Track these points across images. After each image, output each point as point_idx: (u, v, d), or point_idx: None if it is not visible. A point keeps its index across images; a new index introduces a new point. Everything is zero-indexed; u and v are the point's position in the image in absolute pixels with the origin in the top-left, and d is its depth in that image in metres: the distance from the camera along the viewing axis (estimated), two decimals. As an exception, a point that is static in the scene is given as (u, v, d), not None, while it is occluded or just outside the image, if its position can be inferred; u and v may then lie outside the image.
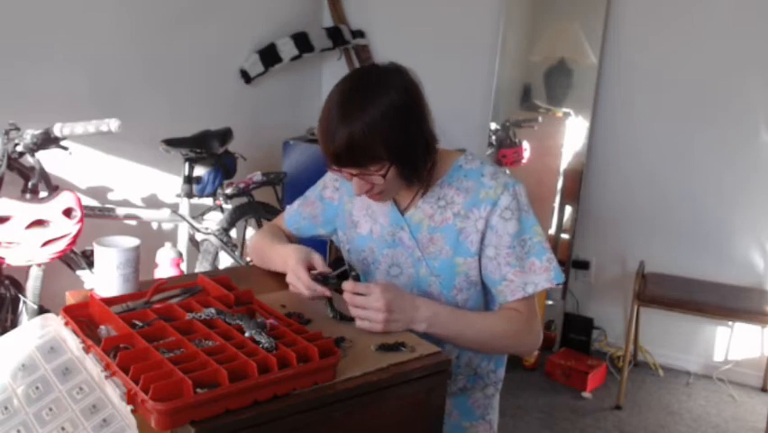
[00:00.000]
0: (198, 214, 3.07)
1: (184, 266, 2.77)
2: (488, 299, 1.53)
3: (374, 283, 1.35)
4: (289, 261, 1.45)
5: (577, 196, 3.68)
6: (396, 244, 1.51)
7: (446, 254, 1.46)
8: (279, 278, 1.58)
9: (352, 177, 1.39)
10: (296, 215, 1.71)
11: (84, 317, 1.23)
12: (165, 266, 2.66)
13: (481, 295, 1.50)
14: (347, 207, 1.61)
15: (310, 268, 1.43)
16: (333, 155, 1.36)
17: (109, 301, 1.27)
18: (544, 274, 1.44)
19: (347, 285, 1.34)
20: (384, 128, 1.32)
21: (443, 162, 1.50)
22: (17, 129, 2.29)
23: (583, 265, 3.77)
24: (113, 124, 2.21)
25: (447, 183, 1.49)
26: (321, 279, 1.40)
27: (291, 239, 1.72)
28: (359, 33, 4.17)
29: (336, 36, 4.06)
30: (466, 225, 1.45)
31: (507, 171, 2.97)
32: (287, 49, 3.83)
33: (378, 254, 1.53)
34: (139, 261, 1.39)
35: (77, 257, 2.53)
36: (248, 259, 3.27)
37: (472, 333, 1.41)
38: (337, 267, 1.41)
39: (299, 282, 1.41)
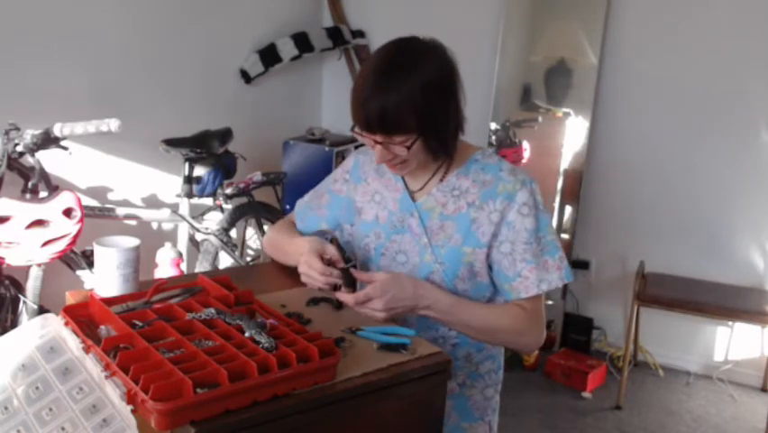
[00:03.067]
0: (198, 214, 3.07)
1: (184, 266, 2.77)
2: (489, 294, 1.53)
3: (376, 274, 1.39)
4: (303, 251, 1.46)
5: (577, 196, 3.68)
6: (404, 230, 1.51)
7: (455, 242, 1.46)
8: (279, 278, 1.58)
9: (375, 145, 1.39)
10: (305, 207, 1.70)
11: (84, 317, 1.23)
12: (165, 266, 2.66)
13: (482, 288, 1.50)
14: (352, 195, 1.61)
15: (322, 257, 1.43)
16: (363, 120, 1.37)
17: (109, 301, 1.27)
18: (556, 273, 1.45)
19: (345, 297, 1.37)
20: (417, 102, 1.33)
21: (459, 154, 1.51)
22: (17, 129, 2.29)
23: (583, 265, 3.77)
24: (113, 124, 2.21)
25: (463, 175, 1.50)
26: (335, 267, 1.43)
27: (303, 233, 1.71)
28: (359, 33, 4.17)
29: (336, 36, 4.06)
30: (479, 216, 1.46)
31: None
32: (287, 49, 3.83)
33: (385, 240, 1.53)
34: (139, 261, 1.39)
35: (77, 257, 2.53)
36: (248, 259, 3.27)
37: (475, 322, 1.44)
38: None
39: (312, 270, 1.42)
